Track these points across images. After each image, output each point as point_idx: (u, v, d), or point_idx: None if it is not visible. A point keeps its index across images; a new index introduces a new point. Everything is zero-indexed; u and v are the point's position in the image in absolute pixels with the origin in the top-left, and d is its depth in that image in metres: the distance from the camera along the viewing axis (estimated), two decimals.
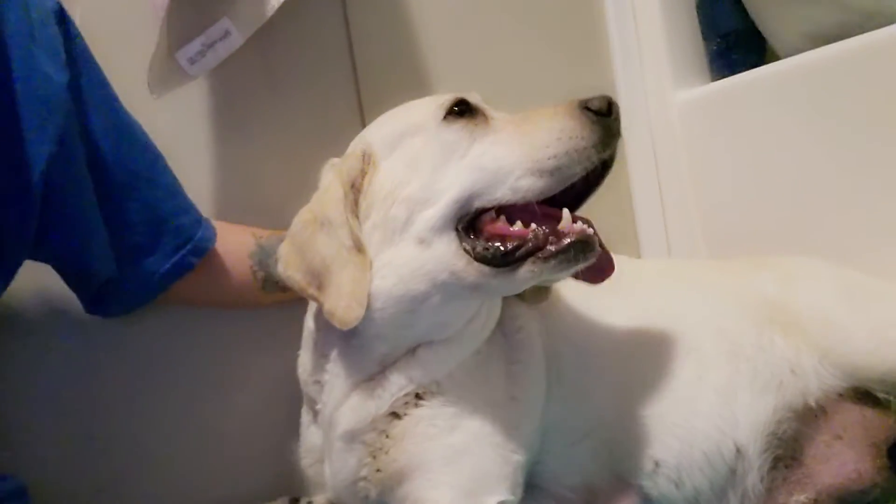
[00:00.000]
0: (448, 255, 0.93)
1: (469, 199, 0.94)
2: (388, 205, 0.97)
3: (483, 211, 0.94)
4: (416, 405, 0.98)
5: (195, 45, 1.20)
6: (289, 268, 1.00)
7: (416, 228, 0.95)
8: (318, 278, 0.97)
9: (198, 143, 1.36)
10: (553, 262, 0.90)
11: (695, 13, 1.71)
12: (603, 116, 0.93)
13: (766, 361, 1.07)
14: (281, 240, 1.09)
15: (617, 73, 1.73)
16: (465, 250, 0.93)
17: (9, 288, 1.04)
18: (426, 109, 1.02)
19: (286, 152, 1.38)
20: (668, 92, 1.67)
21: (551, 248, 0.90)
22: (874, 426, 1.04)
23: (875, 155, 1.31)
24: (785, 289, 1.15)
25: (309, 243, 0.99)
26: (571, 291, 1.14)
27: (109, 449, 1.24)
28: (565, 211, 0.93)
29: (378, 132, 1.05)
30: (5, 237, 0.98)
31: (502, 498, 0.94)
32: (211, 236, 1.21)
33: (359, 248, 0.96)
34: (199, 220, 1.21)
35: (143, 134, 1.16)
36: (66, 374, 1.23)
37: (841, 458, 1.04)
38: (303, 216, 1.02)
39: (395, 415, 0.98)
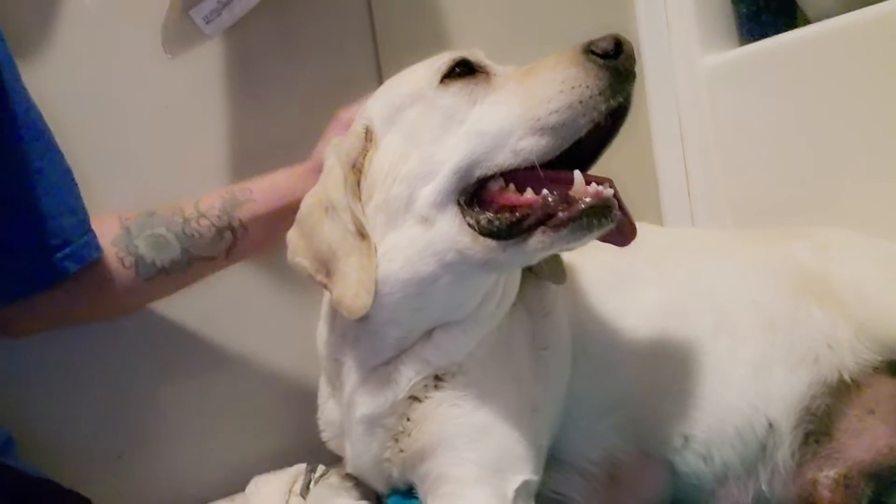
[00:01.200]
0: (452, 231, 0.88)
1: (469, 169, 0.87)
2: (389, 184, 0.92)
3: (487, 180, 0.88)
4: (437, 387, 0.95)
5: (211, 3, 1.18)
6: (297, 254, 0.96)
7: (418, 206, 0.89)
8: (326, 265, 0.94)
9: (211, 106, 1.34)
10: (565, 230, 0.83)
11: None
12: (610, 59, 0.84)
13: (803, 335, 1.04)
14: (150, 214, 1.06)
15: (642, 37, 1.69)
16: (469, 225, 0.87)
17: None
18: (423, 74, 0.95)
19: (303, 115, 1.35)
20: (696, 56, 1.63)
21: (562, 215, 0.83)
22: None
23: None
24: (820, 259, 1.11)
25: (315, 229, 0.95)
26: (598, 263, 1.11)
27: (129, 416, 1.24)
28: (576, 173, 0.85)
29: (376, 105, 0.99)
30: None
31: (527, 477, 0.91)
32: (94, 243, 1.10)
33: (362, 233, 0.91)
34: (85, 225, 1.10)
35: (42, 122, 1.08)
36: (84, 345, 1.22)
37: (873, 432, 1.01)
38: (308, 200, 0.97)
39: (414, 398, 0.95)
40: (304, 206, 0.98)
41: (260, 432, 1.31)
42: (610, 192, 0.85)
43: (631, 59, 0.85)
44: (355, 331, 0.99)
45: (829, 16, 1.43)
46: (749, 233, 1.29)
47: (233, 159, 1.34)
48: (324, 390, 1.11)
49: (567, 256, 1.09)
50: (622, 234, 0.89)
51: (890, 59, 1.29)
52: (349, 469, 1.08)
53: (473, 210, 0.88)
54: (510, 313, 1.00)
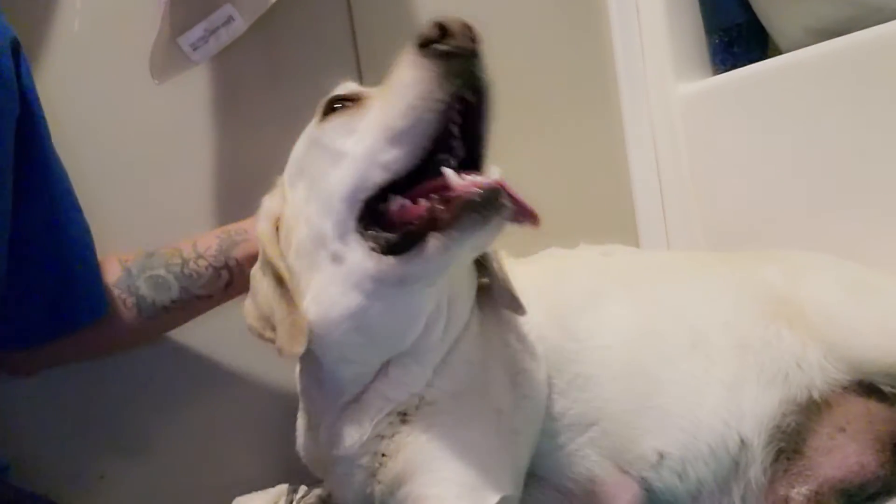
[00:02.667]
0: (359, 259, 0.87)
1: (353, 195, 0.87)
2: (300, 228, 0.94)
3: (379, 201, 0.87)
4: (403, 422, 0.95)
5: (198, 31, 1.20)
6: (249, 318, 1.00)
7: (328, 243, 0.90)
8: (269, 321, 0.96)
9: (198, 132, 1.35)
10: (454, 230, 0.80)
11: (697, 6, 1.71)
12: (436, 44, 0.81)
13: (773, 355, 1.06)
14: (149, 255, 1.09)
15: (618, 66, 1.72)
16: (371, 249, 0.86)
17: None
18: (312, 120, 0.99)
19: (288, 142, 1.36)
20: (670, 85, 1.67)
21: (446, 216, 0.81)
22: (878, 419, 1.04)
23: (879, 150, 1.31)
24: (791, 282, 1.14)
25: (257, 289, 0.99)
26: (572, 284, 1.14)
27: (110, 437, 1.24)
28: (446, 171, 0.82)
29: (289, 159, 1.03)
30: None
31: (506, 493, 0.92)
32: (106, 295, 1.14)
33: (281, 281, 0.93)
34: (100, 279, 1.14)
35: (68, 181, 1.13)
36: (68, 369, 1.23)
37: (844, 450, 1.03)
38: (255, 266, 1.02)
39: (381, 436, 0.96)
40: (252, 272, 1.02)
41: (242, 453, 1.31)
42: (488, 181, 0.81)
43: (459, 36, 0.81)
44: (316, 373, 1.00)
45: (799, 46, 1.46)
46: (722, 255, 1.32)
47: (220, 183, 1.35)
48: (301, 423, 1.12)
49: (537, 279, 1.11)
50: (523, 217, 0.83)
51: (858, 88, 1.33)
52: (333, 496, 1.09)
53: (374, 233, 0.87)
54: (483, 343, 1.00)
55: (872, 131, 1.31)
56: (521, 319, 1.04)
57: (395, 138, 0.84)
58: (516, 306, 1.02)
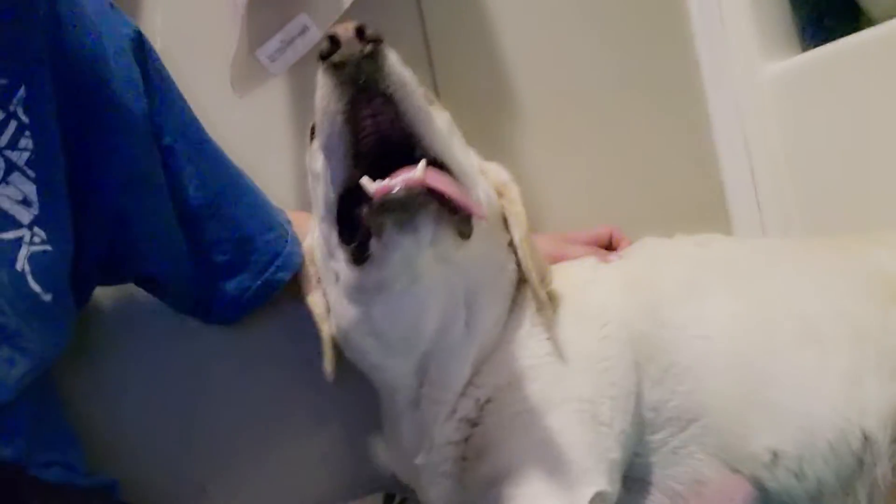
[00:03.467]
0: (345, 273, 0.91)
1: (328, 213, 0.91)
2: (317, 251, 1.03)
3: (349, 215, 0.87)
4: (473, 424, 0.96)
5: (275, 43, 1.21)
6: None
7: (329, 264, 0.96)
8: None
9: (278, 142, 1.36)
10: (385, 237, 0.82)
11: None
12: (328, 57, 0.80)
13: (894, 344, 0.99)
14: None
15: (699, 49, 1.65)
16: (347, 261, 0.89)
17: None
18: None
19: None
20: (757, 65, 1.59)
21: (372, 222, 0.82)
22: None
23: None
24: None
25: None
26: (670, 276, 1.10)
27: (211, 449, 1.26)
28: (363, 179, 0.81)
29: None
30: (78, 260, 0.99)
31: (600, 489, 0.90)
32: (298, 250, 1.17)
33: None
34: (286, 234, 1.18)
35: (222, 153, 1.16)
36: (165, 375, 1.25)
37: None
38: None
39: (454, 443, 0.97)
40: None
41: (341, 462, 1.30)
42: (398, 181, 0.79)
43: (346, 43, 0.80)
44: (373, 384, 1.07)
45: (894, 15, 1.38)
46: (825, 240, 1.26)
47: (299, 193, 1.36)
48: (385, 433, 1.13)
49: (637, 269, 1.09)
50: (460, 210, 0.83)
51: None
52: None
53: (348, 245, 0.88)
54: (554, 333, 0.99)
55: None
56: (600, 308, 1.03)
57: (325, 155, 0.86)
58: (539, 303, 0.99)
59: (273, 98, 1.34)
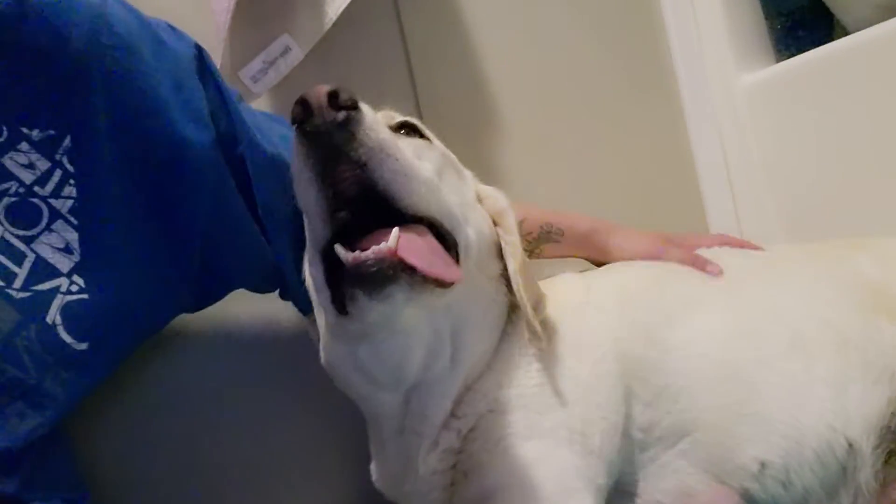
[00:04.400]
0: (333, 317, 0.89)
1: (316, 254, 0.88)
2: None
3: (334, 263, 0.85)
4: (459, 451, 0.96)
5: (257, 63, 1.21)
6: None
7: (317, 295, 0.94)
8: None
9: None
10: (359, 303, 0.81)
11: None
12: (301, 124, 0.79)
13: (877, 351, 1.01)
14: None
15: (676, 60, 1.69)
16: (331, 302, 0.88)
17: None
18: None
19: None
20: (732, 76, 1.62)
21: (347, 289, 0.82)
22: None
23: None
24: (885, 270, 1.09)
25: None
26: (656, 291, 1.10)
27: (205, 466, 1.25)
28: (336, 247, 0.81)
29: None
30: (168, 292, 1.01)
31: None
32: None
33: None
34: None
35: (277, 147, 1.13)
36: (157, 399, 1.24)
37: None
38: None
39: (439, 472, 0.97)
40: None
41: (337, 477, 1.31)
42: (371, 254, 0.78)
43: (319, 111, 0.78)
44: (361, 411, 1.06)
45: (867, 25, 1.41)
46: (808, 248, 1.27)
47: None
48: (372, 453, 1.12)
49: (629, 289, 1.09)
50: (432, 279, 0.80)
51: None
52: None
53: (332, 290, 0.87)
54: (546, 362, 0.98)
55: None
56: (595, 339, 1.02)
57: (304, 213, 0.86)
58: (532, 336, 0.97)
59: None
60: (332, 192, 0.81)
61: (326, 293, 0.87)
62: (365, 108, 0.82)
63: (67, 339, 0.90)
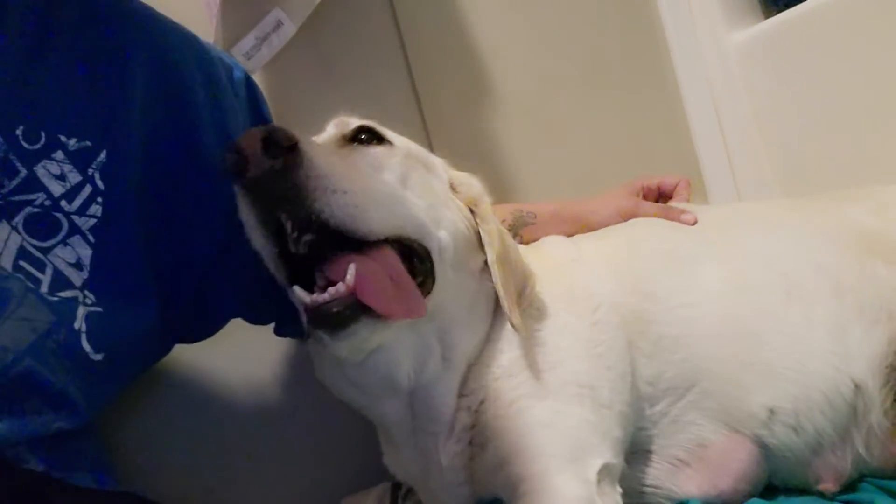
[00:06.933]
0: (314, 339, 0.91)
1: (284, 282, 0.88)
2: None
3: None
4: (474, 425, 0.96)
5: (250, 40, 1.20)
6: None
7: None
8: None
9: None
10: (325, 341, 0.80)
11: None
12: (237, 176, 0.77)
13: (873, 293, 1.02)
14: None
15: (666, 23, 1.69)
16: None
17: None
18: None
19: None
20: (722, 35, 1.63)
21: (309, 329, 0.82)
22: None
23: None
24: (880, 217, 1.10)
25: None
26: (647, 250, 1.12)
27: (217, 449, 1.25)
28: (294, 289, 0.80)
29: None
30: (167, 317, 0.99)
31: (606, 461, 0.90)
32: None
33: None
34: None
35: None
36: (174, 381, 1.24)
37: None
38: None
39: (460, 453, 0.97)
40: None
41: (346, 453, 1.31)
42: (325, 297, 0.77)
43: (254, 161, 0.75)
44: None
45: None
46: (802, 201, 1.28)
47: None
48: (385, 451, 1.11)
49: (605, 250, 1.10)
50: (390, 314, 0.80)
51: None
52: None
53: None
54: (547, 322, 0.99)
55: None
56: (588, 291, 1.02)
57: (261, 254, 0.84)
58: (512, 321, 0.95)
59: None
60: (288, 232, 0.79)
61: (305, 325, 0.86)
62: (304, 145, 0.78)
63: (87, 348, 0.88)
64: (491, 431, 0.94)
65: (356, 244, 0.81)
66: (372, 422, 1.05)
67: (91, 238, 0.89)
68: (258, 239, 0.82)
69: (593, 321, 0.99)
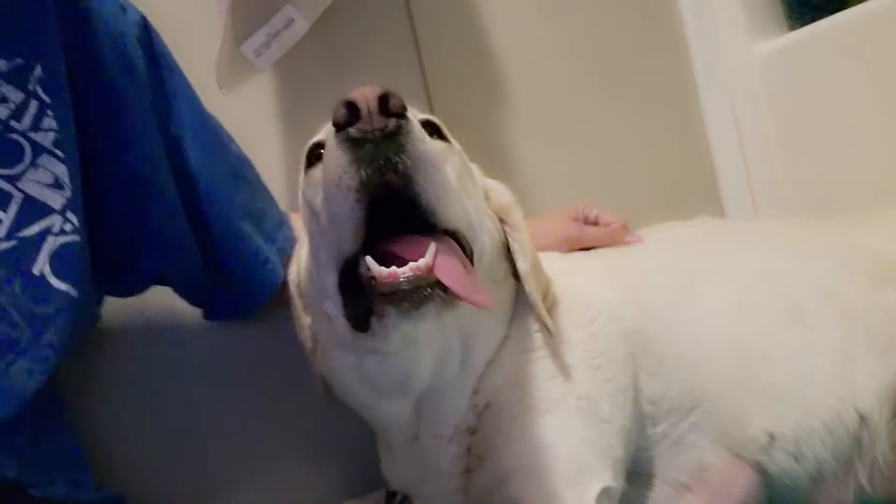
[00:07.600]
0: (341, 326, 0.85)
1: (329, 262, 0.84)
2: (305, 282, 0.98)
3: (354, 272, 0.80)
4: (475, 431, 0.94)
5: (260, 37, 1.19)
6: None
7: (321, 303, 0.89)
8: None
9: (266, 137, 1.34)
10: (388, 321, 0.78)
11: None
12: (345, 129, 0.73)
13: (884, 322, 1.00)
14: None
15: (688, 30, 1.66)
16: (345, 317, 0.84)
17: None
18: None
19: None
20: (745, 46, 1.60)
21: (376, 305, 0.78)
22: None
23: None
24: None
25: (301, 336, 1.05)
26: (656, 266, 1.10)
27: (206, 452, 1.24)
28: (367, 259, 0.76)
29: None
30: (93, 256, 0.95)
31: (605, 484, 0.87)
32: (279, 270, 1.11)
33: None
34: (272, 255, 1.13)
35: (227, 135, 1.12)
36: (160, 380, 1.23)
37: None
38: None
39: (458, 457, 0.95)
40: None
41: (337, 462, 1.30)
42: (409, 271, 0.74)
43: (367, 118, 0.73)
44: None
45: None
46: (818, 222, 1.26)
47: (288, 188, 1.34)
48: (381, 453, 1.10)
49: (616, 257, 1.09)
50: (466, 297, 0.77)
51: None
52: None
53: (348, 302, 0.83)
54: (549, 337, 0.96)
55: None
56: (585, 302, 1.00)
57: (331, 221, 0.79)
58: (546, 329, 0.95)
59: (259, 94, 1.32)
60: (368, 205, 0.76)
61: (340, 306, 0.84)
62: (411, 115, 0.76)
63: (57, 283, 0.85)
64: (490, 444, 0.93)
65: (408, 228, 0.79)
66: (370, 424, 1.03)
67: (59, 153, 0.87)
68: (343, 203, 0.75)
69: (590, 332, 0.97)
